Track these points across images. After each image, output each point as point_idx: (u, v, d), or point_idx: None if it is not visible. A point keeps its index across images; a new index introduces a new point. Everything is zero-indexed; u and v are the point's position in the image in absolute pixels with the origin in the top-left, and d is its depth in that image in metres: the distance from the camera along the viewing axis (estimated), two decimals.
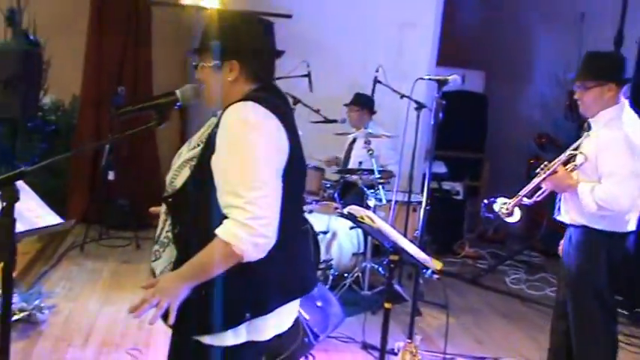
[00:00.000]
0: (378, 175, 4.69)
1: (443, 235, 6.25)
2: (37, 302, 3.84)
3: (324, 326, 3.72)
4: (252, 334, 1.72)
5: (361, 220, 2.79)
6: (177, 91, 1.87)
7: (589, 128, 2.93)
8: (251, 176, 1.61)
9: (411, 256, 2.78)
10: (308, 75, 5.07)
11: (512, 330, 4.42)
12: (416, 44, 6.37)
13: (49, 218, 2.71)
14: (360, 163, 5.07)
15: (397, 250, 2.84)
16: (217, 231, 1.61)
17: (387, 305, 2.92)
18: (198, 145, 1.76)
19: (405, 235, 4.11)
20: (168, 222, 1.78)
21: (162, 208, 1.82)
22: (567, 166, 2.92)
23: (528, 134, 7.56)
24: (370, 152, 4.68)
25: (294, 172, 1.75)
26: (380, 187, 4.72)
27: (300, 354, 3.56)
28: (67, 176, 6.33)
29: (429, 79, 3.71)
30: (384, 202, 4.69)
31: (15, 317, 3.68)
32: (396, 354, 3.38)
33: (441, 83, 3.55)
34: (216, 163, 1.66)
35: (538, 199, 3.02)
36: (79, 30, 6.39)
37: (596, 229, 2.84)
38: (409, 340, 3.04)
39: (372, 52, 6.04)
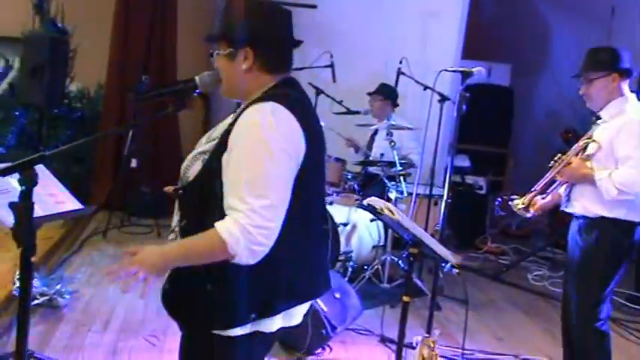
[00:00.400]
0: (400, 168, 4.65)
1: (465, 230, 6.19)
2: (58, 287, 3.89)
3: (342, 318, 3.71)
4: (258, 327, 1.71)
5: (381, 212, 2.76)
6: (197, 78, 1.85)
7: (598, 118, 2.92)
8: (260, 183, 1.57)
9: (431, 249, 2.75)
10: (331, 65, 5.04)
11: (533, 327, 4.36)
12: (441, 35, 6.28)
13: (70, 204, 2.73)
14: (382, 154, 5.03)
15: (417, 243, 2.80)
16: (217, 225, 1.57)
17: (405, 299, 2.88)
18: (214, 140, 1.73)
19: (425, 229, 4.08)
20: (179, 214, 1.77)
21: (177, 200, 1.80)
22: (580, 157, 2.91)
23: (554, 129, 7.44)
24: (392, 144, 4.64)
25: (310, 175, 1.71)
26: (401, 179, 4.68)
27: (318, 345, 3.56)
28: (91, 163, 6.40)
29: (454, 70, 3.66)
30: (406, 194, 4.65)
31: (36, 301, 3.73)
32: (414, 348, 3.35)
33: (466, 75, 3.50)
34: (228, 163, 1.63)
35: (551, 192, 3.00)
36: (105, 18, 6.44)
37: (608, 217, 2.81)
38: (427, 335, 3.00)
39: (396, 43, 5.98)
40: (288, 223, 1.64)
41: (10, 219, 2.47)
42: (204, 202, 1.66)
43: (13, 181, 2.54)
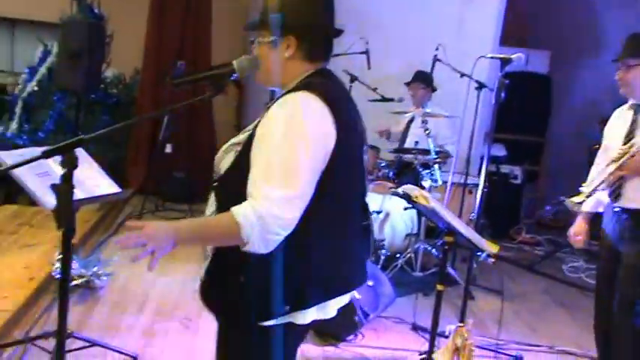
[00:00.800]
0: (435, 156, 4.60)
1: (499, 220, 6.10)
2: (95, 269, 3.96)
3: (375, 306, 3.70)
4: (292, 318, 1.70)
5: (415, 199, 2.74)
6: (234, 62, 1.84)
7: (638, 109, 2.83)
8: (280, 172, 1.55)
9: (466, 238, 2.72)
10: (366, 52, 4.99)
11: (568, 319, 4.29)
12: (478, 22, 6.16)
13: (108, 187, 2.78)
14: (417, 142, 4.99)
15: (451, 231, 2.78)
16: (233, 208, 1.56)
17: (439, 287, 2.87)
18: (249, 131, 1.72)
19: (459, 218, 4.03)
20: (215, 206, 1.75)
21: (212, 192, 1.78)
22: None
23: (593, 119, 7.26)
24: (427, 132, 4.60)
25: (342, 168, 1.68)
26: (436, 167, 4.63)
27: (350, 332, 3.56)
28: (127, 148, 6.49)
29: (492, 57, 3.59)
30: (440, 183, 4.61)
31: (74, 282, 3.81)
32: (446, 337, 3.32)
33: (505, 62, 3.44)
34: (254, 149, 1.62)
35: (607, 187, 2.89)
36: (140, 5, 6.50)
37: None
38: (461, 324, 2.97)
39: (432, 30, 5.89)
40: (322, 215, 1.63)
41: (51, 201, 2.53)
42: (238, 194, 1.62)
43: (53, 164, 2.60)
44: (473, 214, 4.60)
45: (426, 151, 4.68)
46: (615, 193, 2.88)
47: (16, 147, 4.56)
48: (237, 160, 1.68)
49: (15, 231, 4.65)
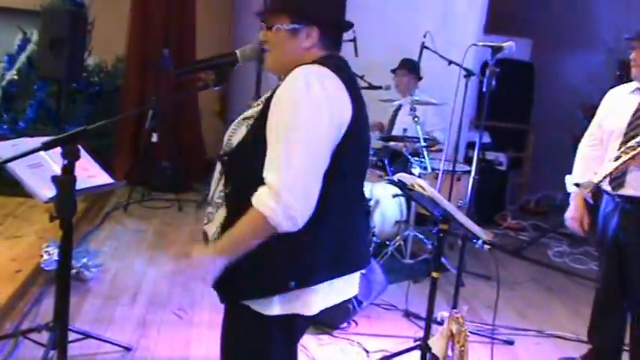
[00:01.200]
0: (424, 143, 4.61)
1: (484, 206, 6.15)
2: (84, 260, 3.92)
3: (368, 293, 3.72)
4: (299, 308, 1.69)
5: (412, 187, 2.74)
6: (237, 51, 1.82)
7: None
8: (298, 150, 1.56)
9: (463, 225, 2.73)
10: (354, 40, 4.97)
11: (556, 303, 4.36)
12: (463, 10, 6.18)
13: (102, 178, 2.75)
14: (405, 130, 5.00)
15: (448, 219, 2.79)
16: (253, 200, 1.57)
17: (434, 274, 2.89)
18: (258, 105, 1.71)
19: None
20: (222, 181, 1.73)
21: (218, 167, 1.77)
22: None
23: (576, 105, 7.35)
24: (416, 119, 4.61)
25: (354, 147, 1.68)
26: (426, 155, 4.65)
27: (343, 320, 3.58)
28: (112, 137, 6.41)
29: (483, 45, 3.60)
30: (430, 170, 4.63)
31: None
32: (439, 323, 3.36)
33: (495, 50, 3.46)
34: (269, 127, 1.61)
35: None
36: None
37: None
38: (456, 310, 3.00)
39: (418, 18, 5.89)
40: (331, 192, 1.63)
41: (43, 192, 2.50)
42: (250, 168, 1.63)
43: (45, 155, 2.55)
44: (461, 201, 4.64)
45: (415, 139, 4.69)
46: (617, 181, 2.82)
47: None
48: (250, 133, 1.67)
49: None
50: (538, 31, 7.56)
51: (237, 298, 1.72)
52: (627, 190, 2.81)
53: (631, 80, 2.93)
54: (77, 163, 2.67)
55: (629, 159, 2.68)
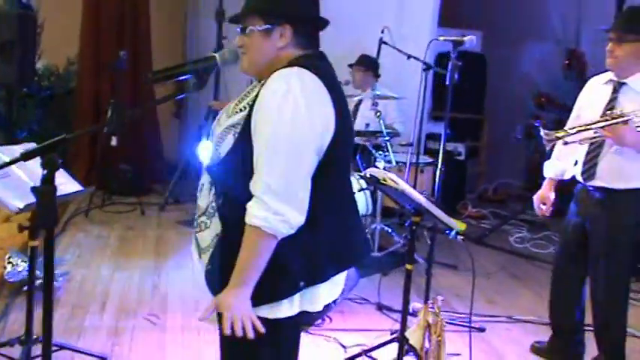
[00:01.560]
0: (387, 138, 4.66)
1: (446, 195, 6.25)
2: None
3: None
4: (305, 305, 1.71)
5: (384, 182, 2.78)
6: (217, 55, 1.82)
7: (619, 87, 2.85)
8: (281, 158, 1.57)
9: (436, 217, 2.78)
10: None
11: (520, 288, 4.48)
12: (417, 4, 6.26)
13: (72, 186, 2.69)
14: (367, 125, 5.04)
15: (420, 211, 2.83)
16: (246, 219, 1.58)
17: (408, 267, 2.93)
18: (242, 110, 1.69)
19: None
20: (213, 192, 1.73)
21: (205, 177, 1.76)
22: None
23: (527, 94, 7.55)
24: (378, 114, 4.65)
25: (341, 144, 1.69)
26: (389, 148, 4.70)
27: (318, 316, 3.59)
28: (68, 142, 6.25)
29: (445, 40, 3.67)
30: (394, 163, 4.68)
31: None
32: (413, 315, 3.41)
33: (457, 44, 3.53)
34: (255, 134, 1.62)
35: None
36: None
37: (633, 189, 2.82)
38: (431, 301, 3.06)
39: (375, 13, 5.93)
40: (326, 190, 1.66)
41: (13, 203, 2.43)
42: (241, 176, 1.63)
43: (13, 166, 2.48)
44: (425, 192, 4.72)
45: (378, 133, 4.73)
46: (588, 173, 2.92)
47: None
48: (238, 141, 1.66)
49: None
50: (488, 24, 7.72)
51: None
52: (596, 182, 2.92)
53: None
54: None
55: (602, 127, 2.73)
